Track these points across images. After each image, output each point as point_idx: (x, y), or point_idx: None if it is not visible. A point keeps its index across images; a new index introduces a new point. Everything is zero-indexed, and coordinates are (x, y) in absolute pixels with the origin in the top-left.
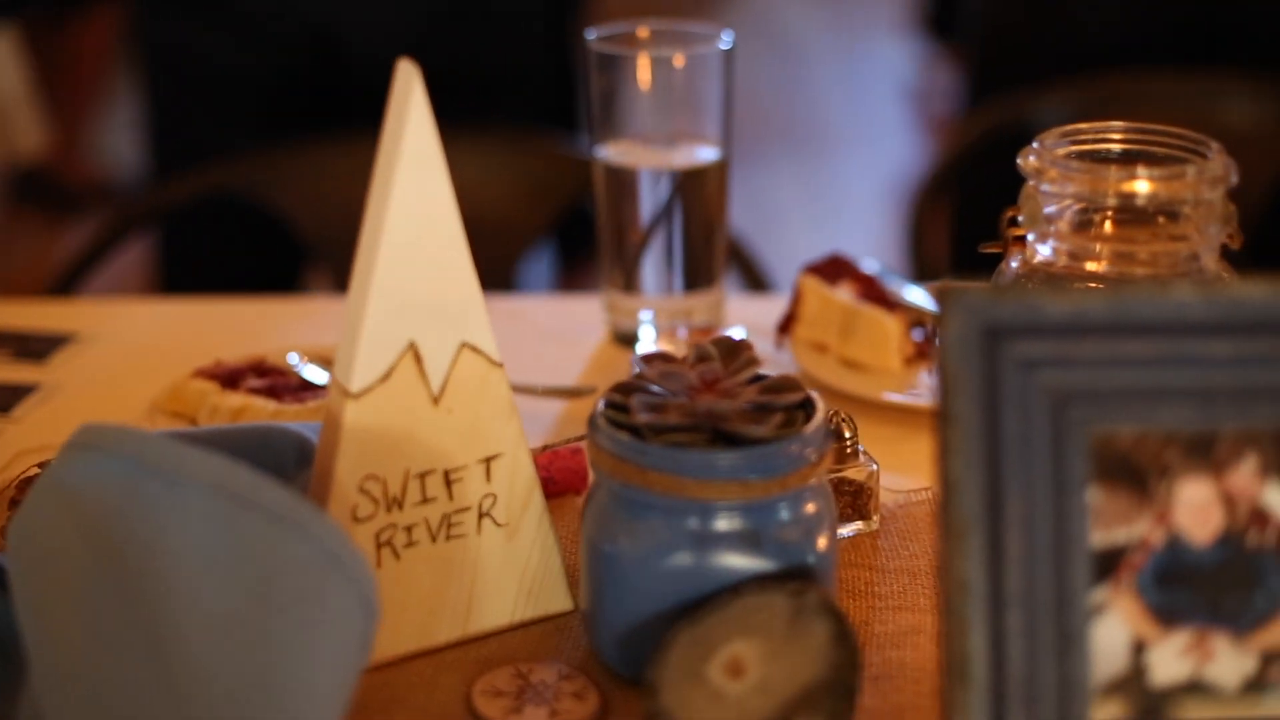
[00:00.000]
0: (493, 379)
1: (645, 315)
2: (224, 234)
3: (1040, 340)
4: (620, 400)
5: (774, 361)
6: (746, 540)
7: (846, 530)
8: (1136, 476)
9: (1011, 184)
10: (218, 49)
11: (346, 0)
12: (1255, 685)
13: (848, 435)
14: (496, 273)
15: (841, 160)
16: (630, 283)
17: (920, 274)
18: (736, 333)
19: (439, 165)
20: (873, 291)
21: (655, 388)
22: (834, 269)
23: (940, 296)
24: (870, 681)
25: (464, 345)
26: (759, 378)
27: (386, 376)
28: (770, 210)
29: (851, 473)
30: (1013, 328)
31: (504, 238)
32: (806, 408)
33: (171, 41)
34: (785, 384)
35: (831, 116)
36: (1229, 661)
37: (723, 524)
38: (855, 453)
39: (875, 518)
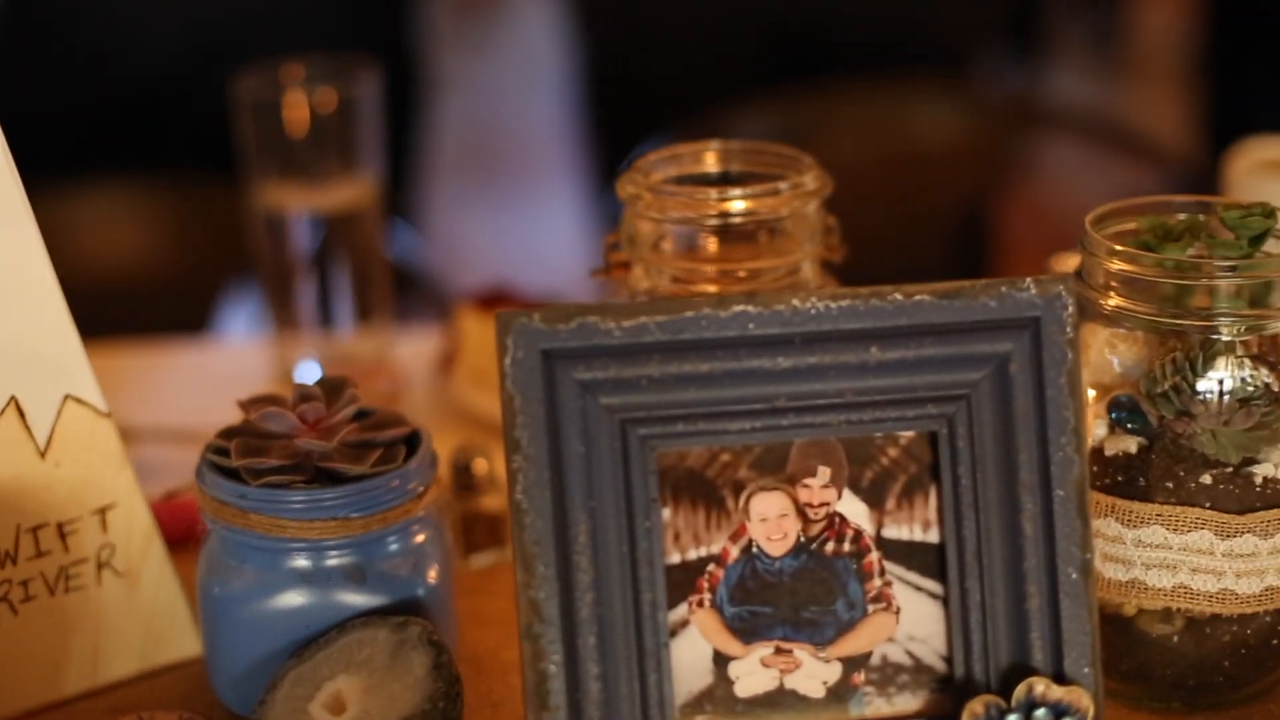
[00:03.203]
0: (101, 429)
1: (307, 355)
2: None
3: (600, 362)
4: (223, 444)
5: (439, 396)
6: (353, 576)
7: (483, 560)
8: (709, 493)
9: None
10: None
11: None
12: (839, 692)
13: (484, 468)
14: (186, 317)
15: (536, 191)
16: (291, 323)
17: None
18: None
19: (25, 218)
20: None
21: (261, 430)
22: (495, 298)
23: (498, 322)
24: (490, 708)
25: (68, 397)
26: (362, 415)
27: None
28: (468, 242)
29: (486, 502)
30: (572, 351)
31: (190, 282)
32: (411, 442)
33: None
34: (389, 420)
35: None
36: (813, 670)
37: (329, 561)
38: (491, 484)
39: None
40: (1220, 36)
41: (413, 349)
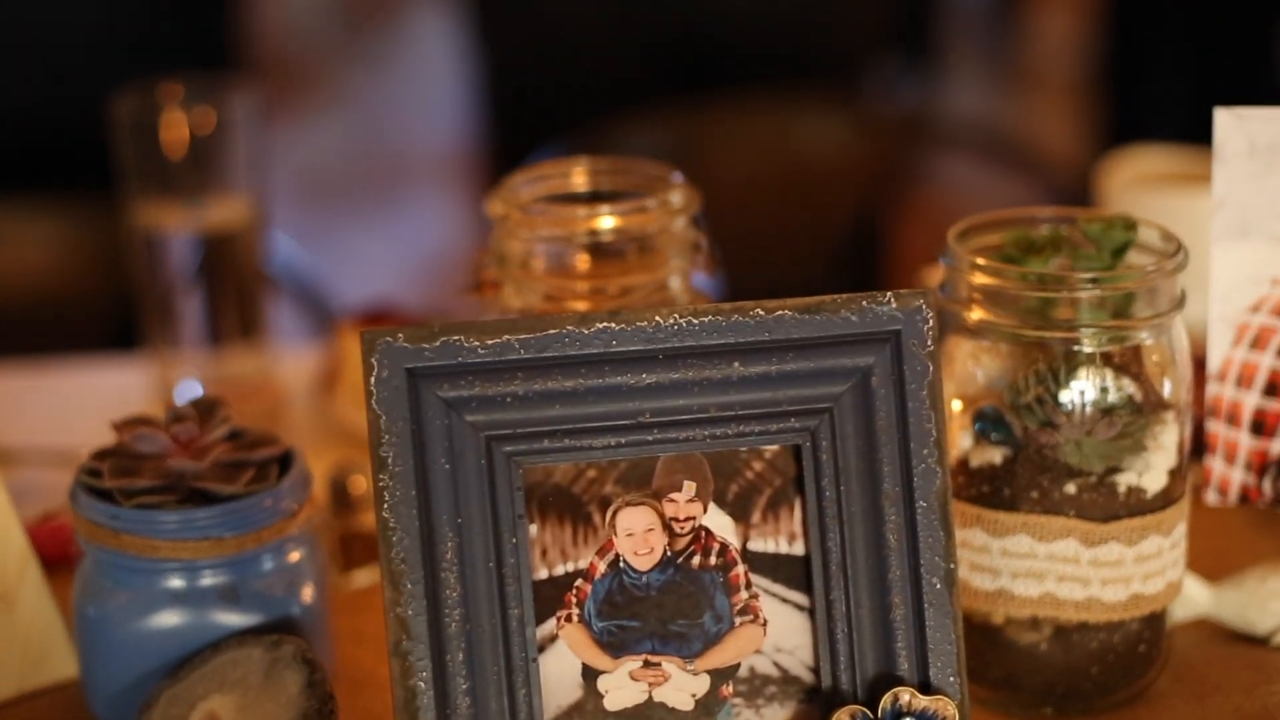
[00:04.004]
0: None
1: (189, 375)
2: None
3: (465, 380)
4: (96, 466)
5: (321, 414)
6: (227, 596)
7: (362, 578)
8: (576, 508)
9: None
10: None
11: None
12: (708, 705)
13: (362, 486)
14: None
15: (430, 205)
16: (172, 342)
17: None
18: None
19: None
20: None
21: (133, 451)
22: (377, 316)
23: (363, 342)
24: None
25: None
26: (236, 435)
27: None
28: (360, 258)
29: (364, 520)
30: (436, 370)
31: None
32: (284, 461)
33: None
34: (262, 439)
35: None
36: (681, 683)
37: (203, 581)
38: (369, 502)
39: None
40: (1116, 47)
41: (296, 367)
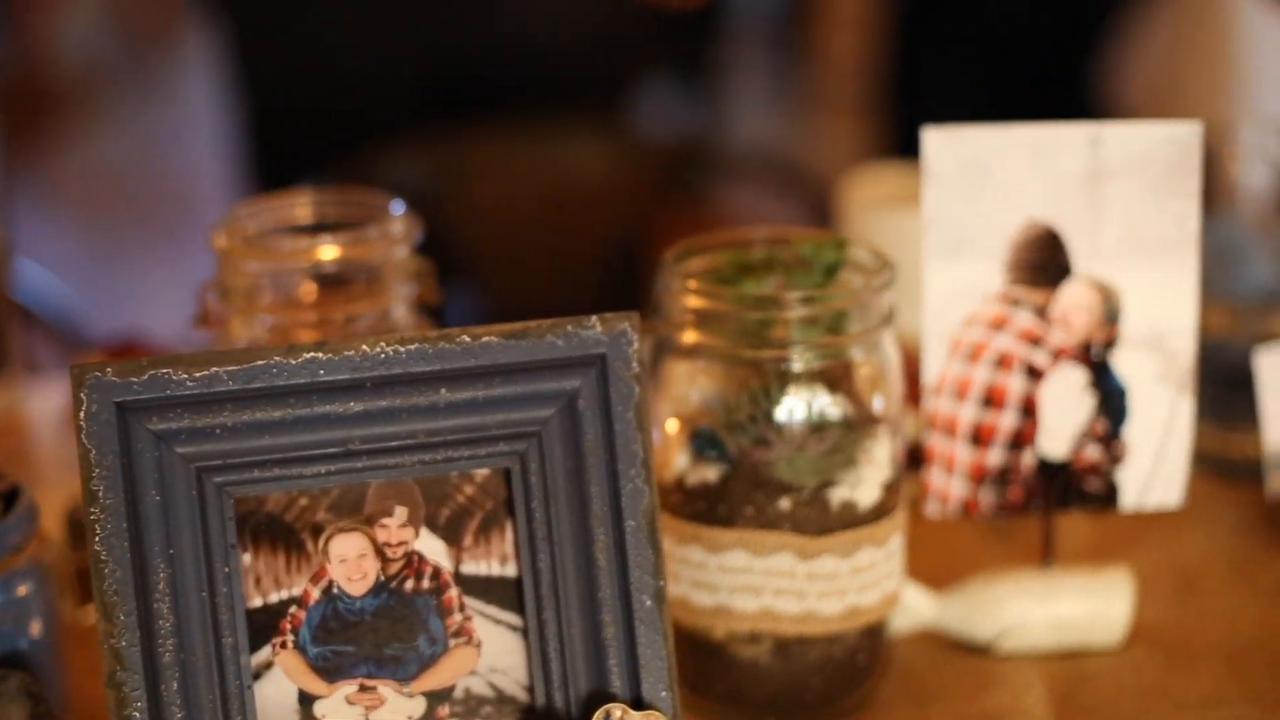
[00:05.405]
0: None
1: None
2: None
3: (174, 413)
4: None
5: (71, 448)
6: None
7: None
8: (288, 536)
9: None
10: None
11: None
12: None
13: None
14: None
15: (194, 235)
16: None
17: None
18: None
19: None
20: None
21: None
22: (124, 348)
23: (71, 377)
24: None
25: None
26: None
27: None
28: (120, 289)
29: None
30: (145, 403)
31: None
32: (10, 497)
33: None
34: None
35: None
36: (397, 706)
37: None
38: None
39: None
40: (900, 66)
41: (46, 400)
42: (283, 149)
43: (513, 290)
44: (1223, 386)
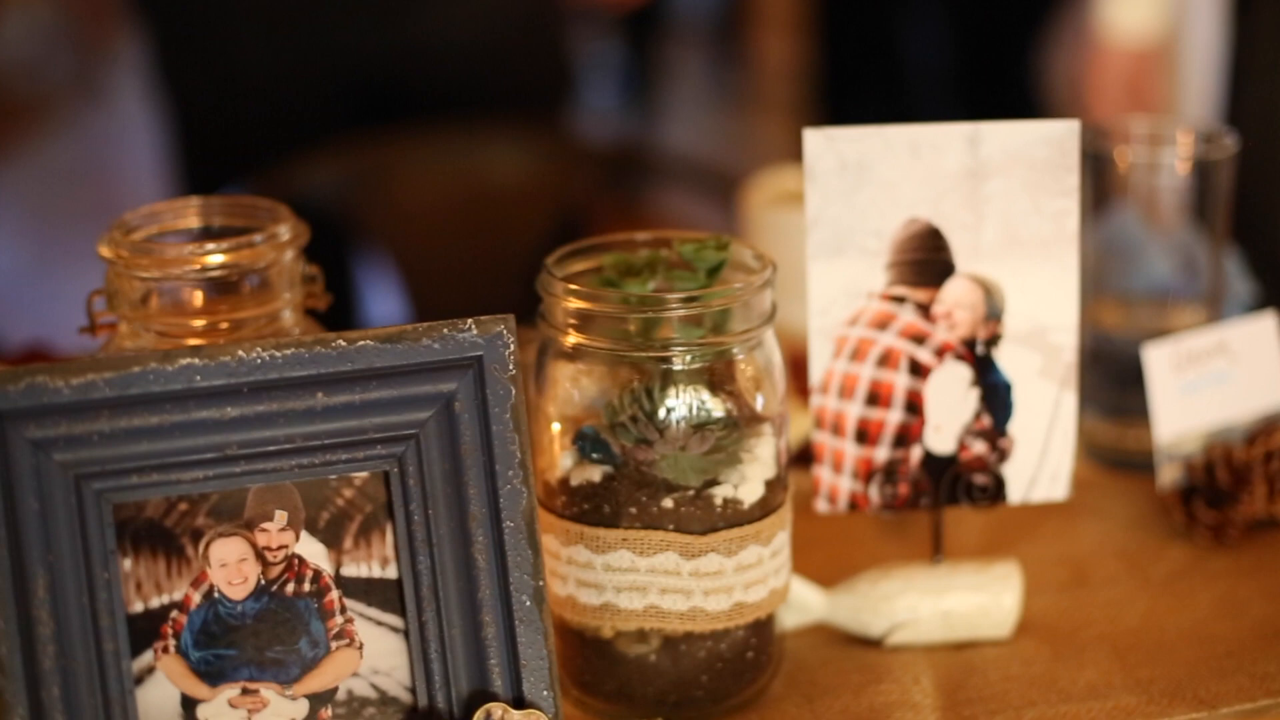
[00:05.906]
0: None
1: None
2: None
3: (51, 421)
4: None
5: None
6: None
7: None
8: (169, 541)
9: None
10: None
11: None
12: None
13: None
14: None
15: None
16: None
17: None
18: None
19: None
20: None
21: None
22: (29, 355)
23: None
24: None
25: None
26: None
27: None
28: (45, 297)
29: None
30: (22, 411)
31: None
32: None
33: None
34: None
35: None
36: (280, 708)
37: None
38: None
39: None
40: (830, 68)
41: None
42: (211, 157)
43: (439, 296)
44: (1116, 381)
